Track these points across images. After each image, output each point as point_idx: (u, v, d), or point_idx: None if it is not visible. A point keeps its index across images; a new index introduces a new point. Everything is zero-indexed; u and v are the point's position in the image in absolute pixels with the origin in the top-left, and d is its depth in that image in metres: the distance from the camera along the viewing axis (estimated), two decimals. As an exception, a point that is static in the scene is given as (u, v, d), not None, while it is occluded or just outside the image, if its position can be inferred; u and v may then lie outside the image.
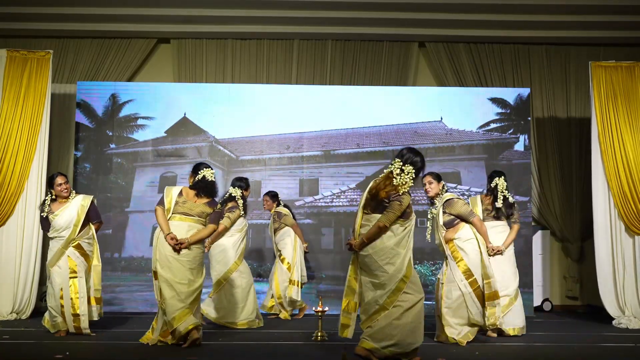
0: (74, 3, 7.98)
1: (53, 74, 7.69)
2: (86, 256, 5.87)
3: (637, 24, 8.23)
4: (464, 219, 5.64)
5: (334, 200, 8.08)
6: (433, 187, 5.73)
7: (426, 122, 8.19)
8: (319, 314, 5.65)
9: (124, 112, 8.15)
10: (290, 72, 8.73)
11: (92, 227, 5.98)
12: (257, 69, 8.74)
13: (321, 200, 8.05)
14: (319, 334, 5.63)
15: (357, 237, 4.68)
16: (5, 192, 7.08)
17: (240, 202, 6.59)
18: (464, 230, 5.61)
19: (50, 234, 5.87)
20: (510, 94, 8.27)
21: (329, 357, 4.85)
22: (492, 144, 8.15)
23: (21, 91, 7.28)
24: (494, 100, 8.23)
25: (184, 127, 8.18)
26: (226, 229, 6.50)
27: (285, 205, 7.38)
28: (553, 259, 8.66)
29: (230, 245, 6.51)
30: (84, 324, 5.68)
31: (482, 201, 6.16)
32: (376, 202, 4.63)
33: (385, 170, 4.74)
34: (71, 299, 5.68)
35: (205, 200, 5.41)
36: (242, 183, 6.69)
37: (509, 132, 8.19)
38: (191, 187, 5.45)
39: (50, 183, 6.01)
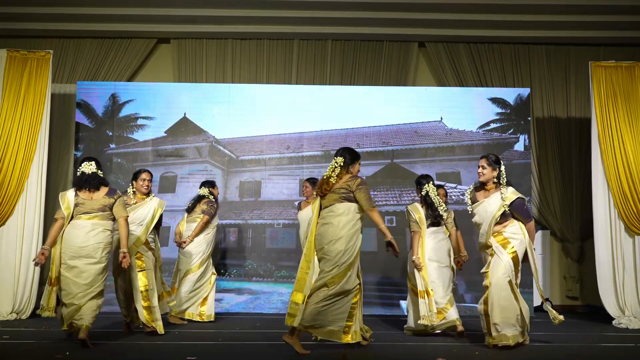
0: (74, 3, 7.98)
1: (53, 74, 7.69)
2: (152, 250, 6.01)
3: (637, 24, 8.23)
4: (523, 219, 5.31)
5: (334, 200, 8.07)
6: (485, 173, 5.32)
7: (426, 122, 8.19)
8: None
9: (124, 112, 8.16)
10: (290, 72, 8.73)
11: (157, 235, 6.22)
12: (257, 69, 8.74)
13: (321, 200, 8.06)
14: (319, 334, 5.62)
15: (314, 245, 5.07)
16: (5, 192, 7.08)
17: (212, 197, 6.93)
18: (514, 227, 5.26)
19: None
20: (510, 94, 8.27)
21: (329, 357, 4.85)
22: (492, 144, 8.15)
23: (21, 91, 7.28)
24: (494, 100, 8.23)
25: (184, 127, 8.18)
26: (209, 221, 6.80)
27: None
28: (553, 259, 8.66)
29: (204, 241, 6.80)
30: (156, 315, 5.77)
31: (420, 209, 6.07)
32: (332, 194, 5.10)
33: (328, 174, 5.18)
34: (141, 292, 5.76)
35: (102, 193, 5.36)
36: (207, 183, 7.03)
37: (509, 132, 8.19)
38: (76, 186, 5.40)
39: (134, 177, 6.15)
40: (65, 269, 5.17)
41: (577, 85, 8.70)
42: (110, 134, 8.15)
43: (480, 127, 8.19)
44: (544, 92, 8.74)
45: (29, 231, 7.10)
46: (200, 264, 6.76)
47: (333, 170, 5.15)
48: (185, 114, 8.19)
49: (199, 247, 6.77)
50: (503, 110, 8.23)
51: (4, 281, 7.00)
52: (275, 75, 8.73)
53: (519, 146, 8.15)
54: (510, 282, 5.11)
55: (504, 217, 5.25)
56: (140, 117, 8.17)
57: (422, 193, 6.07)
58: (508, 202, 5.21)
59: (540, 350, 5.37)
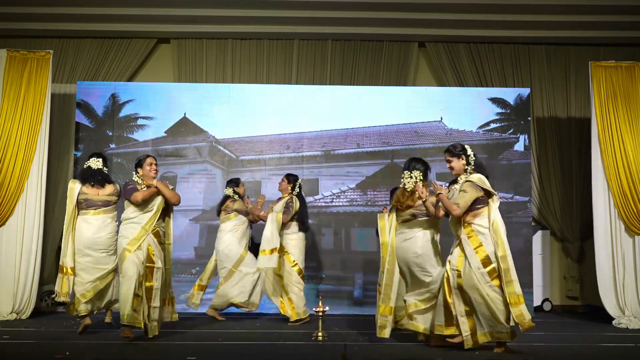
0: (74, 3, 7.98)
1: (53, 74, 7.68)
2: (163, 247, 5.59)
3: (637, 24, 8.23)
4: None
5: (334, 200, 8.09)
6: (453, 165, 5.11)
7: (426, 122, 8.20)
8: (319, 313, 5.65)
9: (124, 112, 8.16)
10: (290, 72, 8.73)
11: (170, 220, 5.73)
12: (257, 69, 8.74)
13: (321, 200, 8.05)
14: (319, 334, 5.63)
15: (386, 246, 5.39)
16: (5, 192, 7.08)
17: (237, 196, 7.09)
18: (483, 219, 4.94)
19: (126, 216, 5.51)
20: (510, 94, 8.27)
21: (329, 357, 4.85)
22: (492, 144, 8.15)
23: (21, 91, 7.28)
24: (494, 100, 8.24)
25: (184, 127, 8.18)
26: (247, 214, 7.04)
27: (299, 195, 6.91)
28: (553, 259, 8.66)
29: (235, 240, 6.94)
30: (154, 316, 5.40)
31: None
32: (411, 209, 5.34)
33: (401, 187, 5.40)
34: (146, 289, 5.40)
35: (107, 190, 5.80)
36: (231, 182, 7.21)
37: (509, 132, 8.19)
38: (81, 179, 5.79)
39: (138, 164, 5.64)
40: (80, 258, 5.62)
41: (577, 85, 8.70)
42: (110, 134, 8.16)
43: (480, 127, 8.19)
44: (544, 92, 8.74)
45: (29, 231, 7.10)
46: (239, 261, 6.91)
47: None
48: (185, 114, 8.19)
49: (231, 247, 6.92)
50: (503, 110, 8.23)
51: (4, 281, 7.00)
52: (275, 75, 8.73)
53: (519, 146, 8.15)
54: (486, 286, 4.81)
55: (474, 205, 4.93)
56: (140, 117, 8.17)
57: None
58: (459, 184, 4.99)
59: (540, 350, 5.37)
